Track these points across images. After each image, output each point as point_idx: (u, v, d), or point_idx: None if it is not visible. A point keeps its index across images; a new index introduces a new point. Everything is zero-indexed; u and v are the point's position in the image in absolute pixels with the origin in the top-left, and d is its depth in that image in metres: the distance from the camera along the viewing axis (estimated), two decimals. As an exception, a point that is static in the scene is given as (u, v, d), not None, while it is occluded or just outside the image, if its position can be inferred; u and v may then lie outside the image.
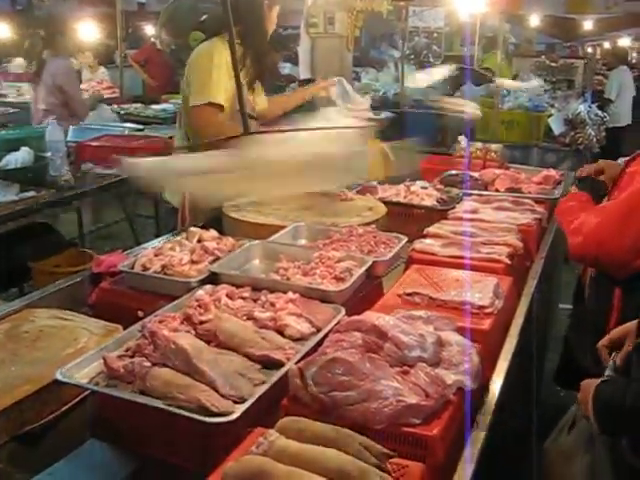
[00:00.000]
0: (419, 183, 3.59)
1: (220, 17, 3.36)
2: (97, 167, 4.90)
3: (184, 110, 3.54)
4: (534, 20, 11.78)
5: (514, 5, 8.97)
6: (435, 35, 11.37)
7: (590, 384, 1.89)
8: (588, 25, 12.69)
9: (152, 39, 10.01)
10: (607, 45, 13.72)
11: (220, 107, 3.31)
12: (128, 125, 6.53)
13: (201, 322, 1.95)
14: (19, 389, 1.77)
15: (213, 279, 2.31)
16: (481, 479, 1.57)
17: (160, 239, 2.89)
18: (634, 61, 12.12)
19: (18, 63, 11.84)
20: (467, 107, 3.69)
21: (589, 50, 13.05)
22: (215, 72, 3.28)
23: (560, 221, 2.88)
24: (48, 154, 4.47)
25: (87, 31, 10.28)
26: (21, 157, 4.42)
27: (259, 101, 3.77)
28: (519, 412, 2.67)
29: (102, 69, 10.91)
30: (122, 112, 8.15)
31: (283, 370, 1.74)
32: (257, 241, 2.62)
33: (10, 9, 13.18)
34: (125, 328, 2.03)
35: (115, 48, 10.31)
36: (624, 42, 13.78)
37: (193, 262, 2.43)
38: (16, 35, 11.73)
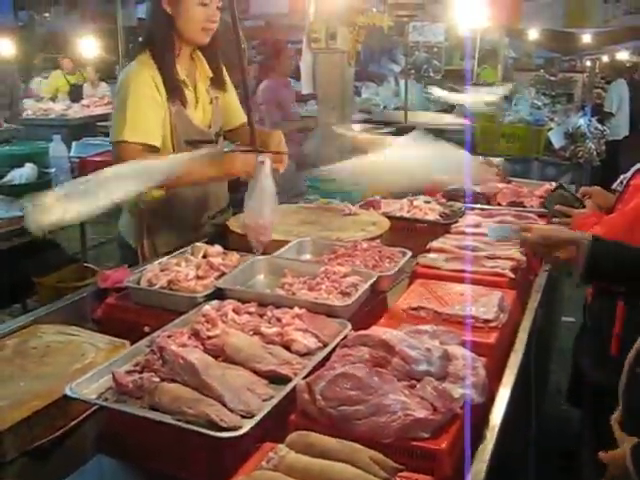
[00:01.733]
0: (422, 197, 3.60)
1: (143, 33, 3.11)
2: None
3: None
4: (533, 34, 11.85)
5: (513, 19, 9.03)
6: (435, 50, 11.42)
7: (619, 455, 1.83)
8: (587, 39, 12.73)
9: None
10: (606, 59, 13.76)
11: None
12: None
13: (209, 337, 1.96)
14: (28, 404, 1.77)
15: (219, 294, 2.32)
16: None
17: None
18: (634, 76, 12.16)
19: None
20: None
21: (588, 64, 13.09)
22: (138, 103, 2.88)
23: None
24: (52, 170, 4.50)
25: (88, 47, 10.36)
26: (25, 173, 4.46)
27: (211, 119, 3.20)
28: (522, 426, 2.68)
29: (103, 84, 10.97)
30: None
31: (291, 385, 1.75)
32: (262, 256, 2.63)
33: (13, 24, 13.25)
34: (131, 344, 2.04)
35: (116, 63, 10.36)
36: (623, 56, 13.83)
37: (199, 277, 2.44)
38: (18, 51, 11.80)
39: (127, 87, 2.89)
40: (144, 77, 2.92)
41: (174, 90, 2.97)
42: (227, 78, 3.29)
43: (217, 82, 3.22)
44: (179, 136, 2.98)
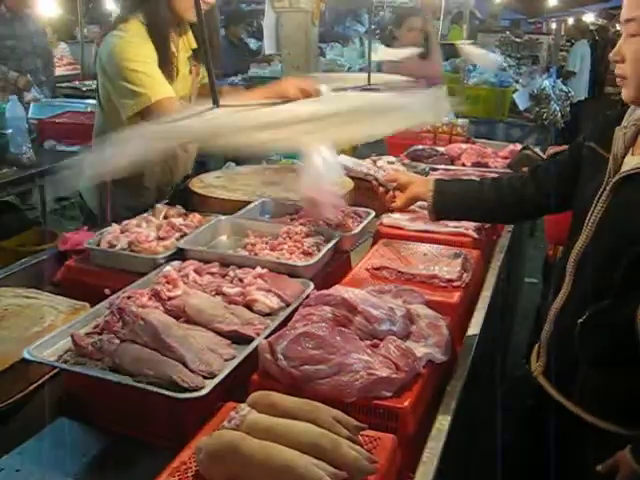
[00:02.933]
0: (385, 158, 3.59)
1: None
2: (59, 144, 4.84)
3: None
4: (499, -5, 11.80)
5: (478, -20, 8.96)
6: (400, 10, 11.32)
7: (623, 458, 1.79)
8: (553, 1, 12.73)
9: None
10: (571, 21, 13.79)
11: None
12: (90, 102, 6.43)
13: (169, 298, 1.94)
14: (-15, 369, 1.75)
15: (180, 255, 2.30)
16: (452, 450, 1.58)
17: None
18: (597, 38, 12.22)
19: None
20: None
21: (554, 26, 13.12)
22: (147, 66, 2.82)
23: None
24: (9, 131, 4.40)
25: (47, 6, 10.08)
26: (-20, 135, 4.35)
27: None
28: (491, 386, 2.71)
29: (62, 45, 10.70)
30: (84, 89, 8.04)
31: (253, 345, 1.74)
32: (224, 217, 2.61)
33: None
34: (92, 306, 2.01)
35: (76, 23, 10.12)
36: (588, 18, 13.88)
37: (160, 238, 2.41)
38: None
39: (126, 56, 2.77)
40: (139, 44, 2.82)
41: (166, 65, 2.88)
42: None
43: (200, 56, 3.11)
44: None
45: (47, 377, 1.84)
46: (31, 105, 5.66)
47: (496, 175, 3.21)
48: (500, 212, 2.25)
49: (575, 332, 1.84)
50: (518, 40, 10.81)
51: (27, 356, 1.71)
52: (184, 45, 3.09)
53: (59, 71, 8.82)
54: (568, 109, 7.55)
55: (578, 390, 1.90)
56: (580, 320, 1.82)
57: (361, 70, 8.46)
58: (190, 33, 3.09)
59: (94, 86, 7.95)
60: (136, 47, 2.81)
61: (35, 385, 1.83)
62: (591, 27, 12.80)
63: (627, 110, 1.86)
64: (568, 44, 12.37)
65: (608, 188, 1.80)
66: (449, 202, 2.25)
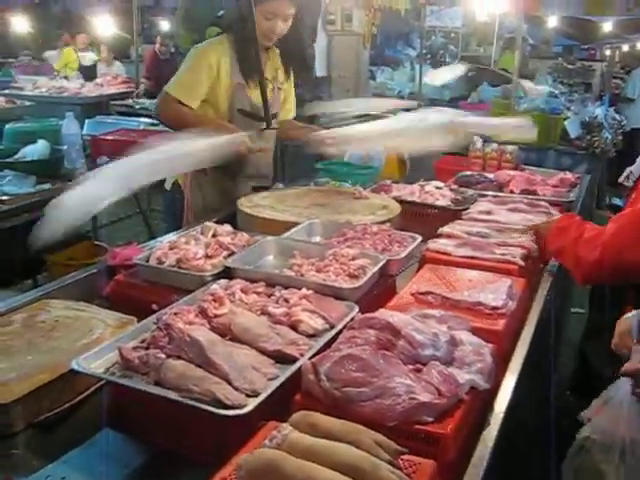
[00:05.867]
0: (433, 183, 3.59)
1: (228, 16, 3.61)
2: (112, 161, 4.94)
3: None
4: (552, 21, 11.72)
5: (532, 6, 8.93)
6: (452, 35, 11.34)
7: None
8: (607, 27, 12.60)
9: (157, 44, 9.76)
10: (626, 48, 13.61)
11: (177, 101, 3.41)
12: (143, 120, 6.56)
13: (216, 316, 1.96)
14: (35, 378, 1.78)
15: (227, 274, 2.33)
16: (492, 478, 1.57)
17: (173, 233, 2.90)
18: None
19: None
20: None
21: (607, 53, 12.96)
22: (190, 72, 3.41)
23: (559, 245, 2.64)
24: (64, 147, 4.50)
25: (103, 25, 10.34)
26: (37, 150, 4.46)
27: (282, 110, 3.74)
28: (533, 416, 2.67)
29: (117, 63, 10.96)
30: (137, 106, 8.20)
31: (297, 365, 1.75)
32: (271, 237, 2.63)
33: (28, 2, 13.24)
34: (139, 321, 2.05)
35: (131, 43, 10.34)
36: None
37: (208, 256, 2.44)
38: (32, 29, 11.81)
39: (190, 56, 3.47)
40: (210, 51, 3.41)
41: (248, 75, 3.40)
42: (291, 77, 3.75)
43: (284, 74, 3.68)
44: (234, 105, 3.42)
45: (94, 388, 1.88)
46: (86, 122, 5.79)
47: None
48: None
49: None
50: (570, 67, 10.74)
51: (75, 367, 1.74)
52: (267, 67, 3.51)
53: (113, 89, 9.02)
54: (620, 138, 7.44)
55: None
56: None
57: (411, 94, 8.49)
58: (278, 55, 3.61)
59: (147, 104, 8.19)
60: (205, 52, 3.40)
61: (82, 396, 1.87)
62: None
63: None
64: (622, 71, 12.22)
65: None
66: None
